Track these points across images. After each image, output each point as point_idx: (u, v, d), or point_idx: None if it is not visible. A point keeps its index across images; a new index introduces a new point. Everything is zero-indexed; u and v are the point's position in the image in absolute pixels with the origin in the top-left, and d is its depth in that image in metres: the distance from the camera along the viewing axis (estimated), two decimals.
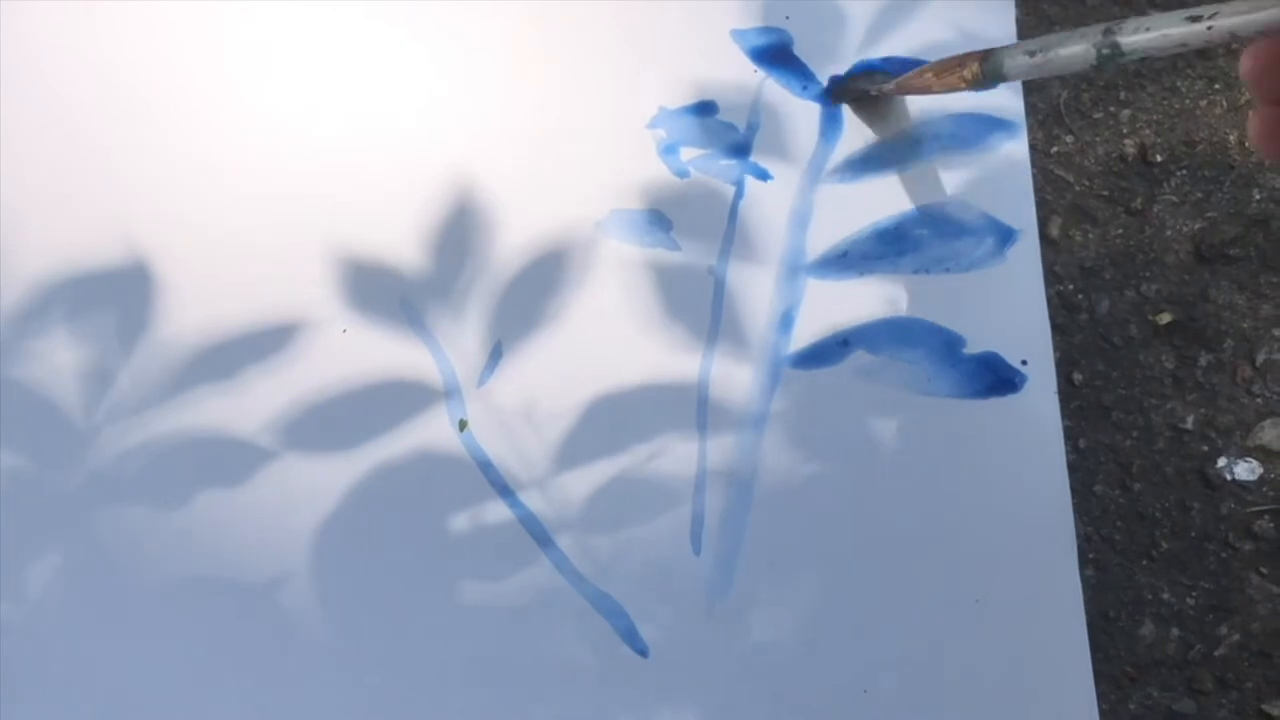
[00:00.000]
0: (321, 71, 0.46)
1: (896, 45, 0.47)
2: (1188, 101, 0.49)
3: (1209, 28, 0.28)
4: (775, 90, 0.46)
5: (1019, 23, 0.48)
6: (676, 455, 0.42)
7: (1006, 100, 0.46)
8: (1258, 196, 0.48)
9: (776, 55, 0.47)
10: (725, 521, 0.42)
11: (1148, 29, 0.31)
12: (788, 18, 0.47)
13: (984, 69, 0.38)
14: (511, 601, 0.40)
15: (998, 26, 0.47)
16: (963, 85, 0.39)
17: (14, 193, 0.43)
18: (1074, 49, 0.33)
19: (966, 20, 0.47)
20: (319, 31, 0.46)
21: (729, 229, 0.45)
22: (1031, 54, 0.35)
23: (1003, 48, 0.37)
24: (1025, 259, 0.44)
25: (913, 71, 0.42)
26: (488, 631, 0.40)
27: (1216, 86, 0.49)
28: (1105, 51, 0.32)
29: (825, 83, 0.46)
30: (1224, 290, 0.47)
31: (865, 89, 0.45)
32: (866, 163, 0.45)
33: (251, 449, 0.41)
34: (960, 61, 0.39)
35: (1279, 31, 0.27)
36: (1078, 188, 0.48)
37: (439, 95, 0.46)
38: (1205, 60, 0.49)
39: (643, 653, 0.40)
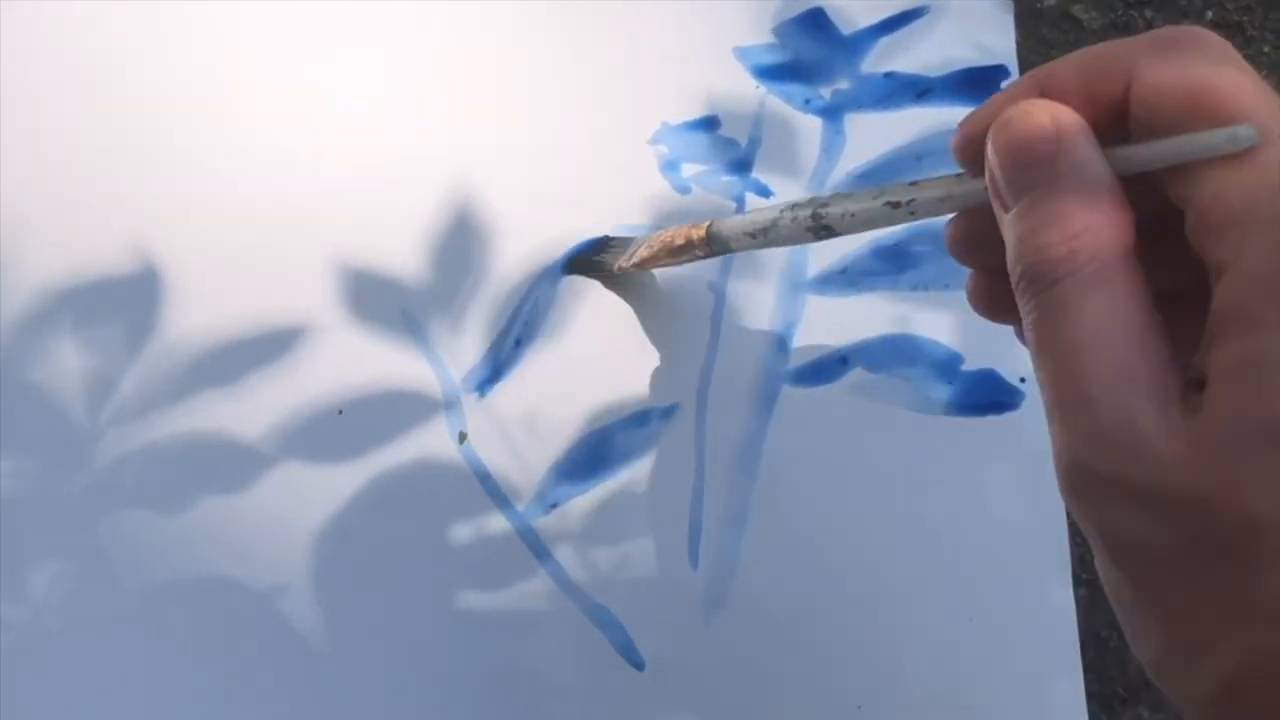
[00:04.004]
0: (326, 82, 0.46)
1: (899, 61, 0.47)
2: None
3: (911, 213, 0.29)
4: (777, 106, 0.47)
5: (1019, 45, 0.48)
6: (675, 470, 0.42)
7: None
8: None
9: (779, 72, 0.47)
10: (722, 536, 0.42)
11: (852, 215, 0.31)
12: (790, 35, 0.47)
13: (710, 242, 0.38)
14: (508, 614, 0.40)
15: (997, 43, 0.48)
16: (696, 256, 0.39)
17: (22, 197, 0.43)
18: (789, 233, 0.34)
19: (967, 38, 0.48)
20: (323, 42, 0.46)
21: None
22: (753, 235, 0.36)
23: (725, 223, 0.37)
24: None
25: (642, 244, 0.41)
26: (484, 643, 0.40)
27: None
28: (822, 234, 0.33)
29: (563, 258, 0.44)
30: None
31: (605, 265, 0.43)
32: (868, 179, 0.46)
33: (254, 455, 0.41)
34: (686, 234, 0.39)
35: (974, 205, 0.27)
36: None
37: (441, 107, 0.46)
38: None
39: (639, 666, 0.40)
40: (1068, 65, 0.25)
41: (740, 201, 0.45)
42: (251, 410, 0.41)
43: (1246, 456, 0.20)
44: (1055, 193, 0.23)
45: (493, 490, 0.41)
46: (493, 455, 0.42)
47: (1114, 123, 0.24)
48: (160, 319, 0.42)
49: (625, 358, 0.43)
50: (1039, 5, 0.51)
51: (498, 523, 0.41)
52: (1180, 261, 0.24)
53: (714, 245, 0.38)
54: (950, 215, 0.29)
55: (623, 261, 0.42)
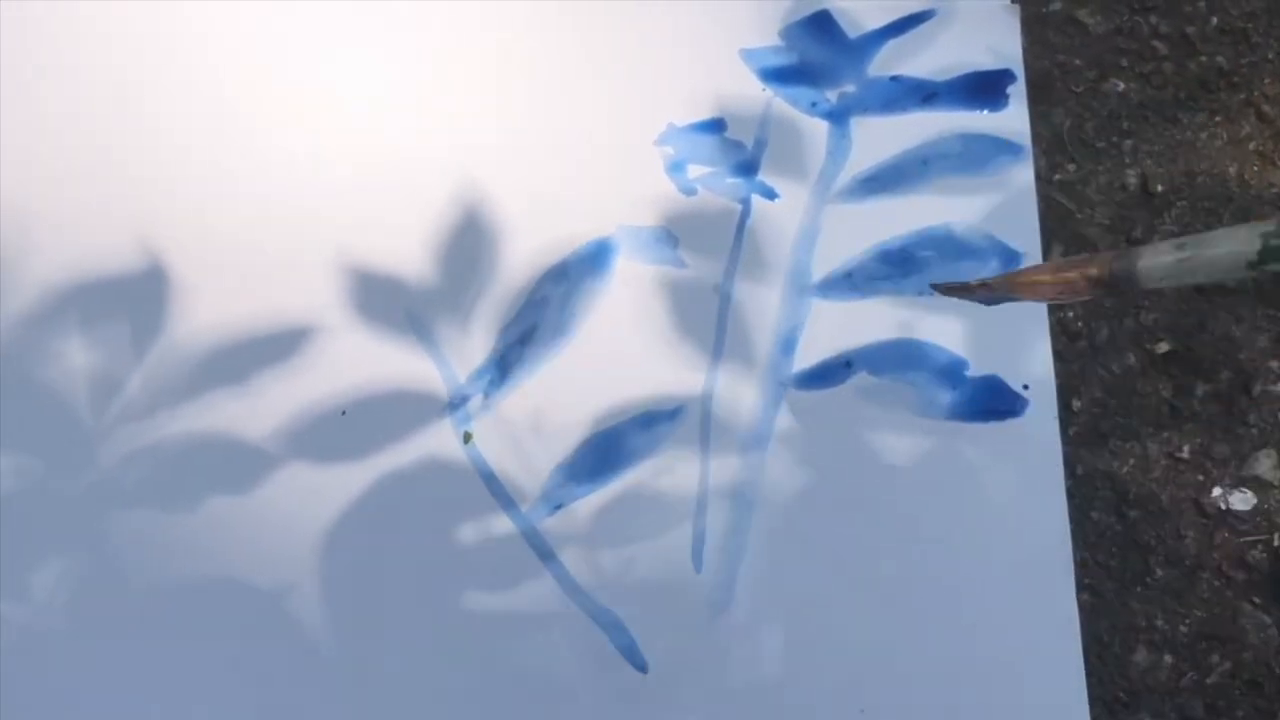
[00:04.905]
0: (336, 85, 0.46)
1: (905, 65, 0.47)
2: (1189, 133, 0.50)
3: None
4: (783, 109, 0.47)
5: (1024, 49, 0.48)
6: (679, 472, 0.42)
7: (1013, 123, 0.47)
8: None
9: (786, 74, 0.47)
10: (726, 539, 0.42)
11: None
12: (797, 37, 0.47)
13: (1115, 270, 0.31)
14: (512, 614, 0.40)
15: (1004, 47, 0.48)
16: (1082, 294, 0.33)
17: (29, 197, 0.43)
18: (1227, 246, 0.28)
19: (974, 41, 0.48)
20: (334, 45, 0.46)
21: (735, 247, 0.45)
22: (1181, 247, 0.29)
23: (1147, 247, 0.31)
24: None
25: (1023, 271, 0.35)
26: (487, 644, 0.40)
27: (1217, 119, 0.50)
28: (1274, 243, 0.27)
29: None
30: (1221, 321, 0.48)
31: (967, 285, 0.37)
32: (873, 183, 0.46)
33: (259, 454, 0.41)
34: (1083, 262, 0.33)
35: None
36: (1079, 216, 0.49)
37: (450, 110, 0.46)
38: (1208, 94, 0.50)
39: (642, 669, 0.40)
40: None
41: (746, 204, 0.45)
42: (257, 410, 0.41)
43: None
44: None
45: (498, 491, 0.41)
46: (498, 456, 0.42)
47: None
48: (167, 318, 0.42)
49: (631, 360, 0.43)
50: (1045, 10, 0.51)
51: (502, 523, 0.41)
52: None
53: (1118, 274, 0.31)
54: None
55: (987, 284, 0.35)
